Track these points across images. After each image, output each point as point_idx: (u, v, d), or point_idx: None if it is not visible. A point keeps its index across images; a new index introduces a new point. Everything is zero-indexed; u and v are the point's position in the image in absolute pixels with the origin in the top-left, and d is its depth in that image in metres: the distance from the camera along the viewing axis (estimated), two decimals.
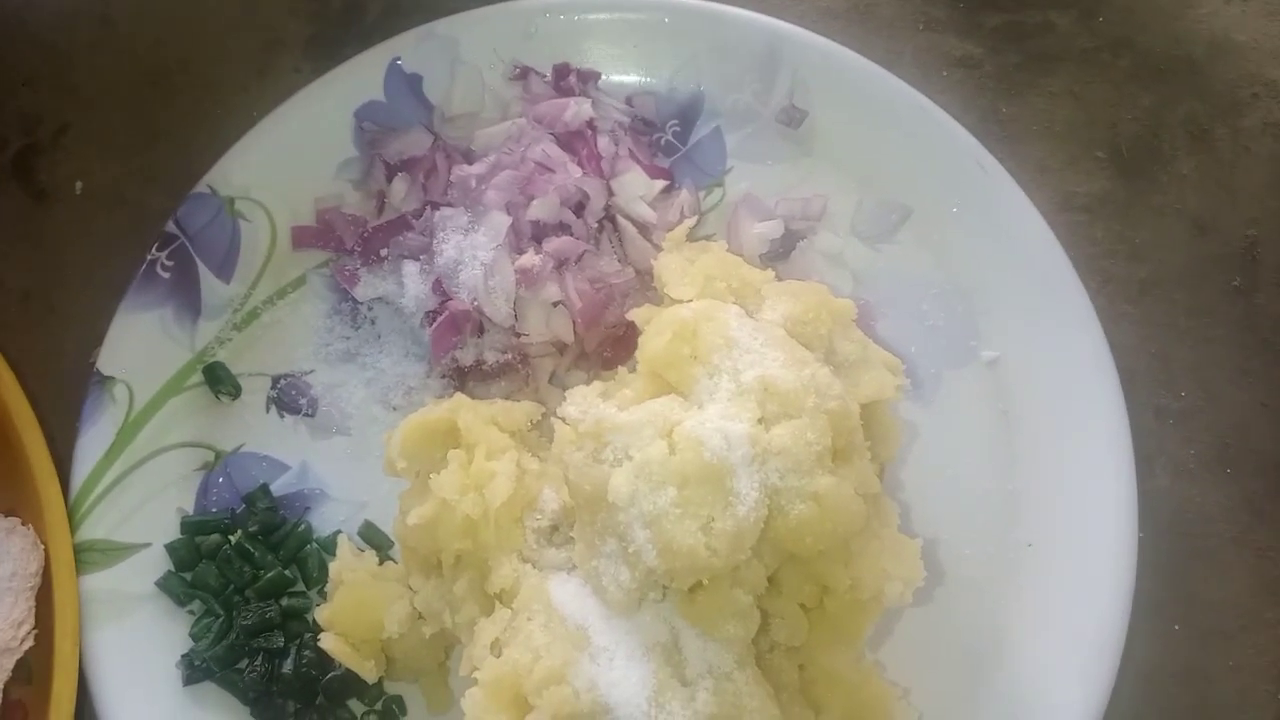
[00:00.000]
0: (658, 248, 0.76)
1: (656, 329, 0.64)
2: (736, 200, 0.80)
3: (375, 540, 0.73)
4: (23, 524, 0.69)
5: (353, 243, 0.78)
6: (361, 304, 0.78)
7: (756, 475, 0.58)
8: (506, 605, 0.62)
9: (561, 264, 0.73)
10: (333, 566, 0.68)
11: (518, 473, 0.64)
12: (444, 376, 0.75)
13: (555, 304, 0.73)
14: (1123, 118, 0.86)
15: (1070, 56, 0.87)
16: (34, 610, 0.68)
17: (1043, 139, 0.85)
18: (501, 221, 0.72)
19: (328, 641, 0.66)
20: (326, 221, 0.79)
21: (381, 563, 0.71)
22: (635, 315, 0.69)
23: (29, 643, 0.67)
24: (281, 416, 0.76)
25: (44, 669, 0.67)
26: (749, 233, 0.78)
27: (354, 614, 0.67)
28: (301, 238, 0.79)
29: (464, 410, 0.66)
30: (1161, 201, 0.83)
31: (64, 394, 0.78)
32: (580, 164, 0.76)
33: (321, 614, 0.68)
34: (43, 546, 0.68)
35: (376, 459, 0.73)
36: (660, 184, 0.78)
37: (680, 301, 0.68)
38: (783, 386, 0.60)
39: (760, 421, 0.60)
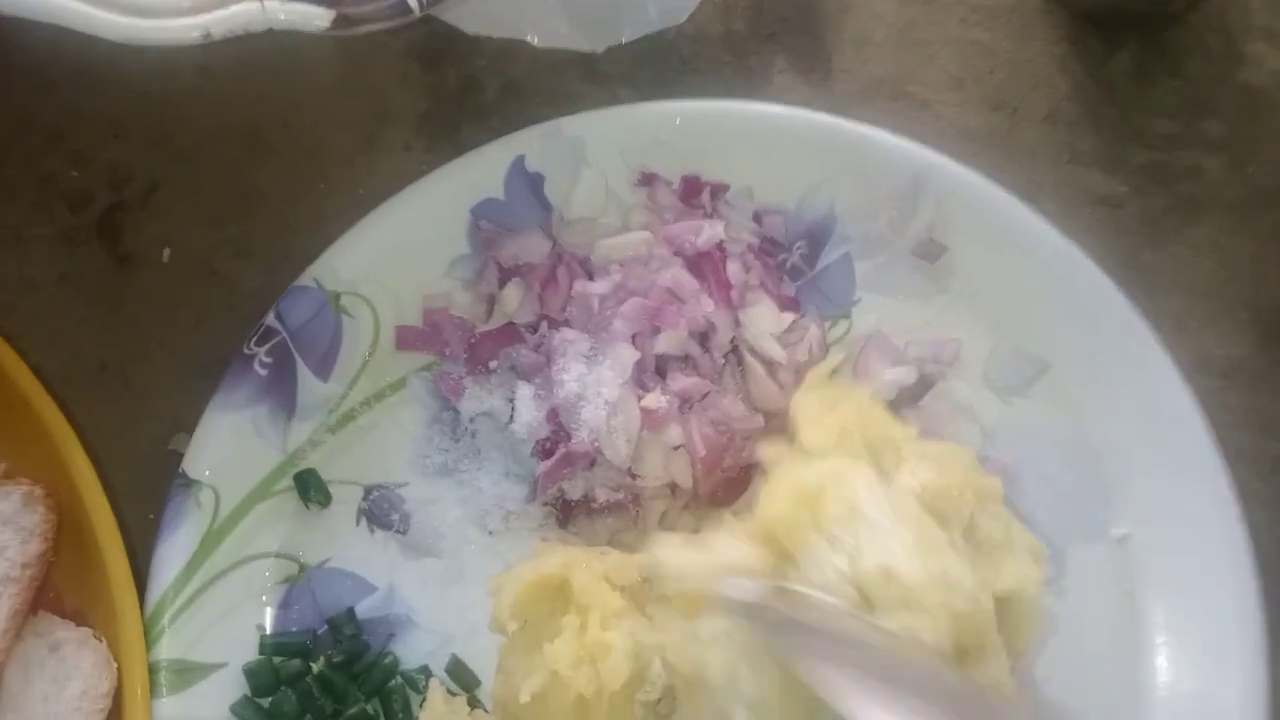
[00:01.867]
0: (783, 387, 0.72)
1: (777, 491, 0.60)
2: (865, 337, 0.76)
3: (463, 679, 0.69)
4: (96, 636, 0.65)
5: (459, 349, 0.74)
6: (463, 415, 0.74)
7: None
8: None
9: (685, 403, 0.69)
10: (422, 715, 0.64)
11: (633, 646, 0.60)
12: (546, 505, 0.71)
13: (676, 447, 0.69)
14: (1268, 276, 0.82)
15: (1218, 206, 0.83)
16: None
17: (1183, 293, 0.81)
18: (629, 357, 0.68)
19: None
20: (434, 323, 0.75)
21: (472, 707, 0.67)
22: (764, 452, 0.65)
23: None
24: (372, 531, 0.72)
25: None
26: (880, 377, 0.74)
27: None
28: (407, 339, 0.75)
29: (578, 568, 0.62)
30: None
31: (136, 475, 0.74)
32: (709, 292, 0.72)
33: None
34: (115, 665, 0.64)
35: (468, 585, 0.71)
36: (790, 317, 0.74)
37: (811, 451, 0.64)
38: (906, 579, 0.56)
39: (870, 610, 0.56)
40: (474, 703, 0.68)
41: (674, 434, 0.68)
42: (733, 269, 0.73)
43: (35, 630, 0.65)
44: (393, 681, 0.68)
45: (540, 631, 0.61)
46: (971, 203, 0.76)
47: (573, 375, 0.68)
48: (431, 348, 0.75)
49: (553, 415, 0.69)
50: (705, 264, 0.73)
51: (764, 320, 0.72)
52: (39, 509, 0.66)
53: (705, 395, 0.70)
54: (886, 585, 0.56)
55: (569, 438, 0.68)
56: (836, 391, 0.68)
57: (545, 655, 0.59)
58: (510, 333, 0.74)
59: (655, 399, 0.67)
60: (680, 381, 0.69)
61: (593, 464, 0.69)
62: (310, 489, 0.72)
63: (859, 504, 0.59)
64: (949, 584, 0.57)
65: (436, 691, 0.65)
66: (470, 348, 0.74)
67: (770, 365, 0.72)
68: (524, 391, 0.70)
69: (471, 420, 0.74)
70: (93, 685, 0.64)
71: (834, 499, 0.59)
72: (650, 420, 0.67)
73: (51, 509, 0.67)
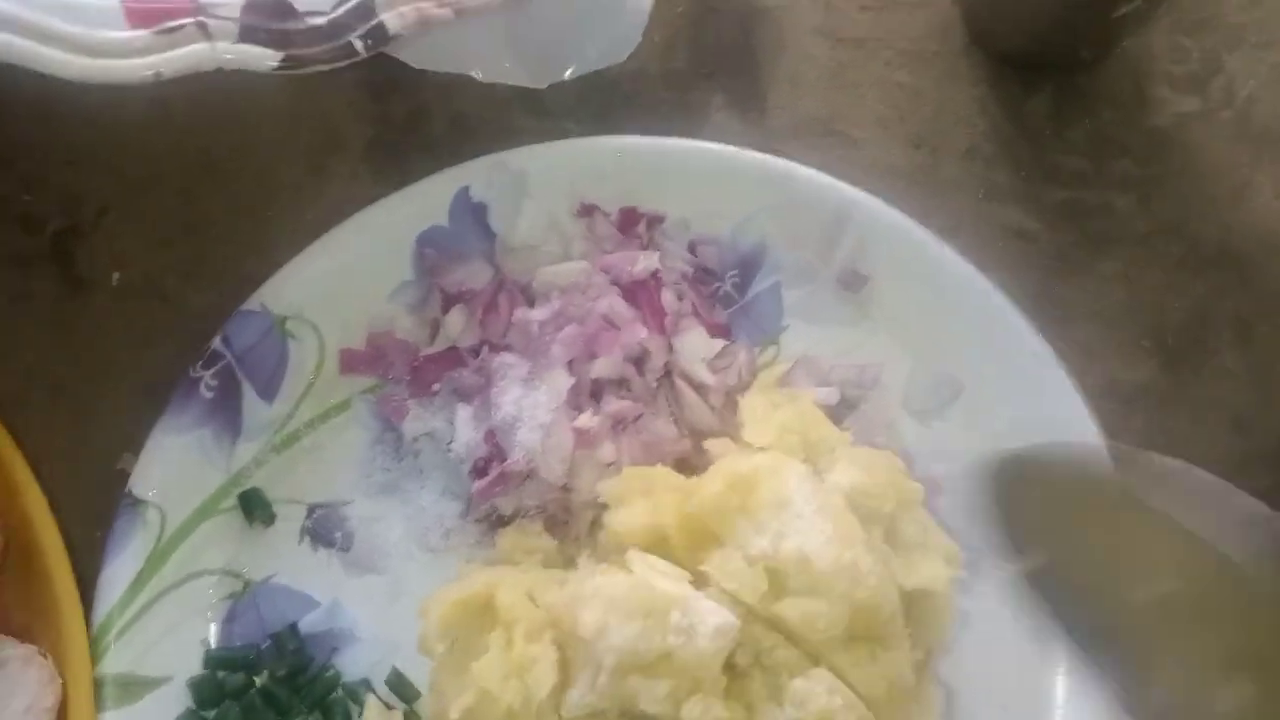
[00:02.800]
0: (713, 409, 0.75)
1: (713, 476, 0.65)
2: (793, 360, 0.80)
3: (403, 692, 0.71)
4: (41, 654, 0.67)
5: (403, 371, 0.76)
6: (406, 436, 0.76)
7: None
8: None
9: (618, 424, 0.72)
10: None
11: (559, 657, 0.63)
12: (479, 521, 0.74)
13: (609, 464, 0.72)
14: (1171, 306, 0.87)
15: (1126, 239, 0.88)
16: None
17: (1092, 322, 0.86)
18: (564, 383, 0.71)
19: None
20: (378, 347, 0.77)
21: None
22: (712, 445, 0.70)
23: None
24: (315, 549, 0.75)
25: None
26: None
27: None
28: (351, 362, 0.77)
29: (502, 586, 0.65)
30: (1202, 395, 0.85)
31: (84, 495, 0.75)
32: (644, 320, 0.75)
33: None
34: (60, 680, 0.66)
35: (410, 601, 0.72)
36: (720, 343, 0.77)
37: (753, 446, 0.68)
38: (817, 566, 0.61)
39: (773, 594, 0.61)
40: (411, 716, 0.70)
41: (607, 452, 0.71)
42: (667, 297, 0.77)
43: None
44: (334, 694, 0.71)
45: (468, 650, 0.64)
46: (891, 236, 0.80)
47: (510, 398, 0.71)
48: (375, 371, 0.77)
49: (490, 436, 0.72)
50: (640, 292, 0.77)
51: (696, 346, 0.76)
52: None
53: (638, 417, 0.73)
54: (799, 571, 0.61)
55: (505, 457, 0.70)
56: (782, 396, 0.72)
57: (473, 673, 0.62)
58: (453, 357, 0.76)
59: (588, 419, 0.70)
60: (614, 404, 0.72)
61: (525, 480, 0.72)
62: (255, 508, 0.74)
63: (788, 494, 0.64)
64: (856, 575, 0.62)
65: (374, 708, 0.67)
66: (414, 371, 0.76)
67: (701, 389, 0.76)
68: (463, 413, 0.73)
69: (414, 440, 0.76)
70: (37, 700, 0.65)
71: (766, 488, 0.64)
72: (583, 439, 0.70)
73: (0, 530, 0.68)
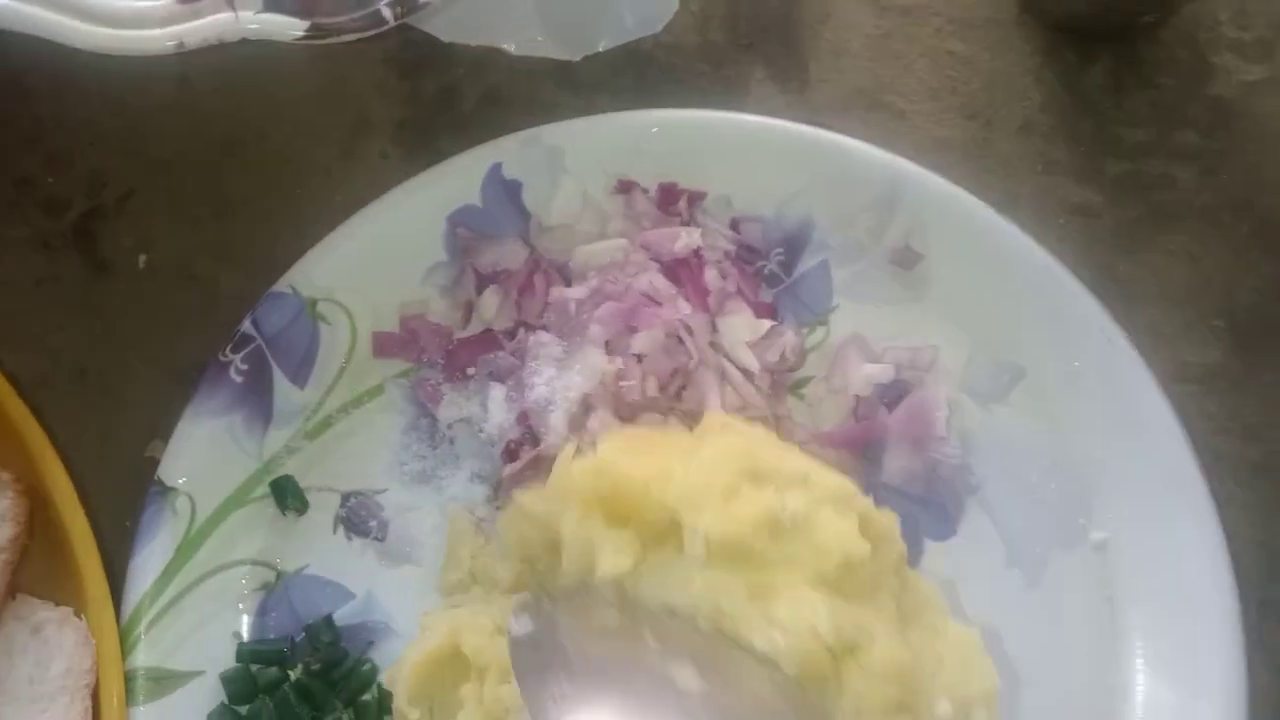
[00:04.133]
0: (758, 390, 0.72)
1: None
2: (843, 340, 0.76)
3: None
4: (76, 614, 0.65)
5: (437, 355, 0.74)
6: (441, 421, 0.73)
7: None
8: None
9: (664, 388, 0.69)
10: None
11: None
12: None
13: None
14: (1241, 284, 0.82)
15: (1190, 214, 0.84)
16: (90, 711, 0.63)
17: (1158, 301, 0.81)
18: (599, 362, 0.68)
19: None
20: (411, 330, 0.75)
21: None
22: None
23: None
24: (349, 538, 0.72)
25: None
26: (856, 373, 0.74)
27: None
28: (384, 345, 0.75)
29: (465, 632, 0.62)
30: (1277, 379, 0.80)
31: (114, 482, 0.74)
32: (686, 296, 0.72)
33: None
34: (94, 643, 0.64)
35: None
36: (766, 324, 0.74)
37: None
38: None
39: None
40: None
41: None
42: (710, 275, 0.74)
43: (15, 614, 0.65)
44: (370, 690, 0.68)
45: (447, 708, 0.62)
46: (947, 212, 0.76)
47: (543, 379, 0.68)
48: (409, 355, 0.75)
49: (523, 418, 0.69)
50: (682, 270, 0.73)
51: (740, 329, 0.73)
52: (9, 494, 0.66)
53: (682, 389, 0.70)
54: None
55: (537, 441, 0.68)
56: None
57: None
58: (488, 339, 0.74)
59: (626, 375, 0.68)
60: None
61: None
62: (287, 496, 0.71)
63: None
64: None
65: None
66: (448, 354, 0.74)
67: (745, 372, 0.72)
68: (496, 393, 0.70)
69: (449, 427, 0.73)
70: (76, 663, 0.63)
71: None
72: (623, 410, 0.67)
73: (22, 494, 0.66)
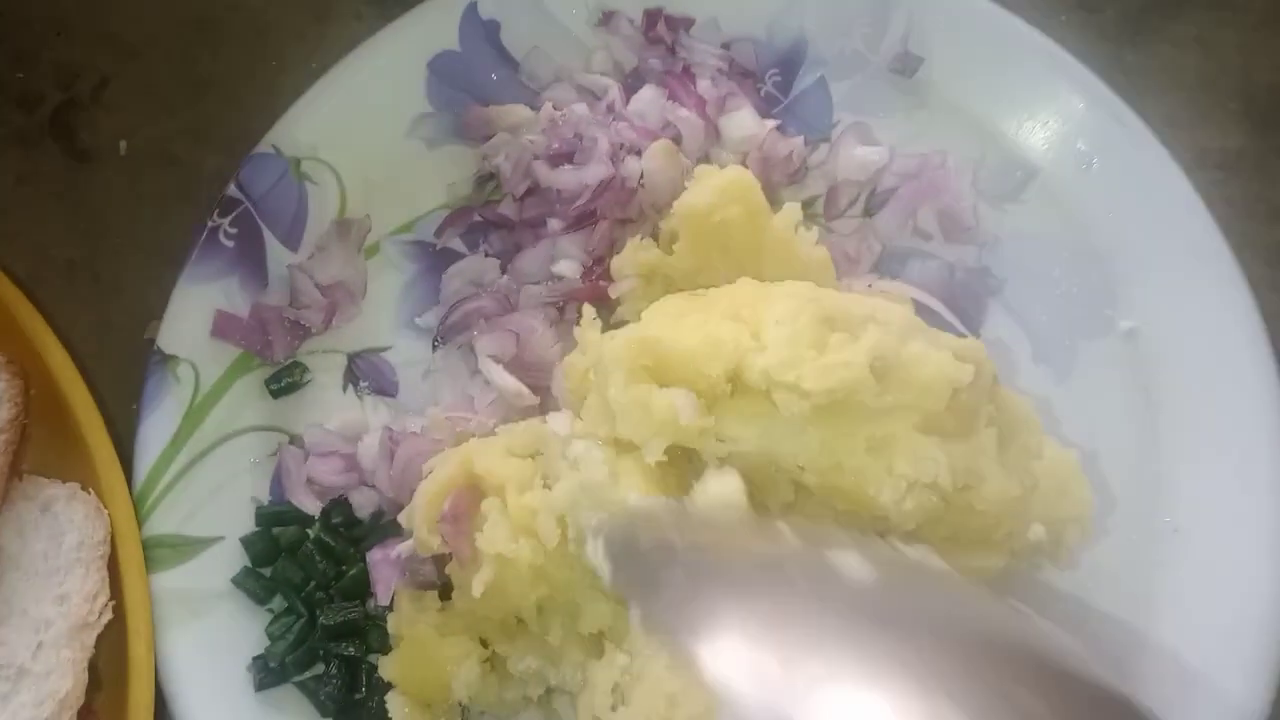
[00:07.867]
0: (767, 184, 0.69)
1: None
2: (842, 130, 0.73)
3: None
4: (84, 488, 0.63)
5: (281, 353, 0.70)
6: (441, 275, 0.71)
7: None
8: (616, 645, 0.56)
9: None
10: (391, 620, 0.63)
11: (553, 499, 0.57)
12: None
13: None
14: (1256, 66, 0.79)
15: (1197, 1, 0.80)
16: (107, 581, 0.62)
17: (1171, 91, 0.78)
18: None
19: (394, 705, 0.61)
20: (260, 319, 0.70)
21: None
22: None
23: (108, 615, 0.61)
24: (360, 397, 0.70)
25: (117, 674, 0.61)
26: (852, 156, 0.72)
27: (420, 674, 0.62)
28: (224, 328, 0.69)
29: (478, 455, 0.60)
30: None
31: (117, 370, 0.72)
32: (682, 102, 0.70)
33: (386, 669, 0.62)
34: (106, 513, 0.63)
35: None
36: (772, 123, 0.71)
37: None
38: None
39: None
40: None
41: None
42: (703, 86, 0.71)
43: (24, 494, 0.64)
44: None
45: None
46: (945, 8, 0.73)
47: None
48: (251, 344, 0.70)
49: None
50: (674, 83, 0.71)
51: (745, 124, 0.70)
52: (3, 375, 0.65)
53: None
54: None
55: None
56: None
57: (481, 545, 0.57)
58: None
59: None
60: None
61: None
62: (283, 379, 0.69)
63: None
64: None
65: (404, 598, 0.63)
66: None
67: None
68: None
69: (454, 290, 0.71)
70: (88, 535, 0.62)
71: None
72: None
73: (17, 375, 0.65)
